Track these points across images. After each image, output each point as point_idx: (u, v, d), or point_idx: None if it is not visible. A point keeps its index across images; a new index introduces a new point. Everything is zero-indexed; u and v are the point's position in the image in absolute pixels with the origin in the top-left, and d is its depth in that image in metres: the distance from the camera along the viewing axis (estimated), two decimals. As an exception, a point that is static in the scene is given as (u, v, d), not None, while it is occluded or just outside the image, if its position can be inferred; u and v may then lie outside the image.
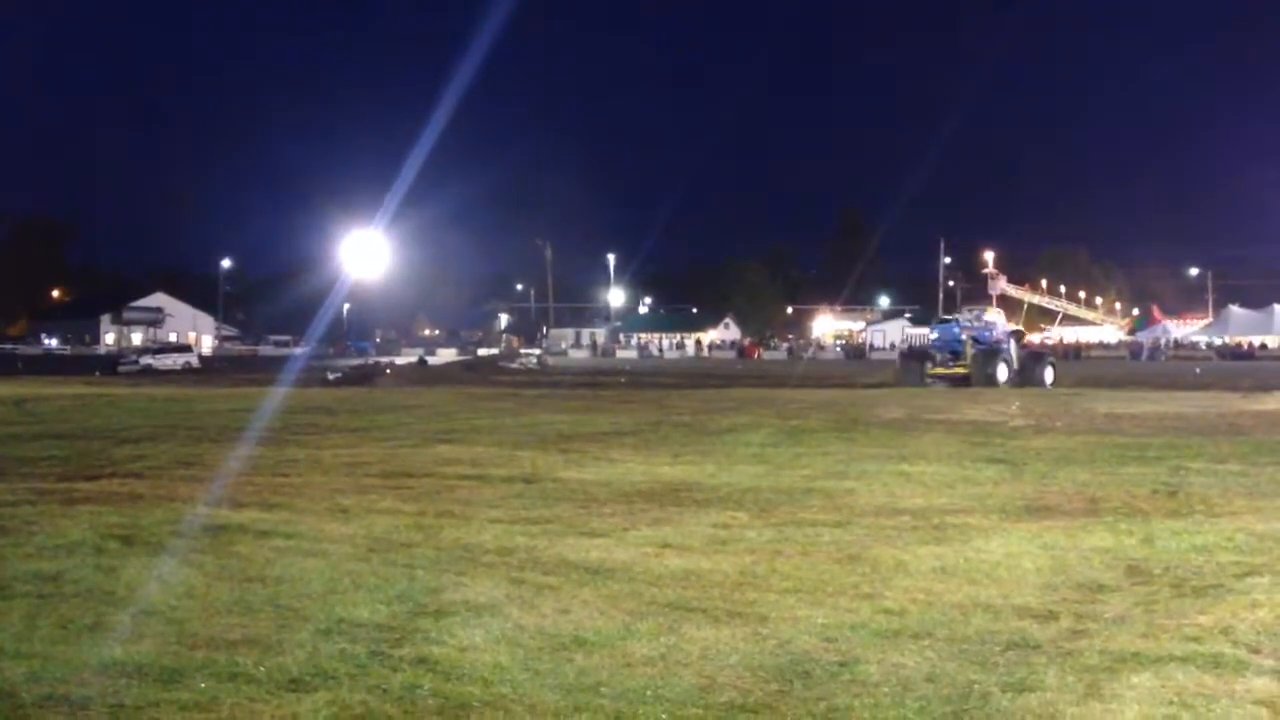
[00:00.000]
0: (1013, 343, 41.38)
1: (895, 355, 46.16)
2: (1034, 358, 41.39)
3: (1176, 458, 15.76)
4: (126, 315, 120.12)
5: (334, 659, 6.37)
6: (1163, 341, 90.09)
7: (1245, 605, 7.40)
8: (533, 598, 7.78)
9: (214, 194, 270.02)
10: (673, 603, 7.63)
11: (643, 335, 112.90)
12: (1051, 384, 38.75)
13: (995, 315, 46.39)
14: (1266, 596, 7.61)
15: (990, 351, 39.79)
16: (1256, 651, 6.41)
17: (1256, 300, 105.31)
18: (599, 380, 47.48)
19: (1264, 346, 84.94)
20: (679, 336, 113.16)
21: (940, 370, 38.98)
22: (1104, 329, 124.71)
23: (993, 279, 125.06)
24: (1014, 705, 5.59)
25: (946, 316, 42.59)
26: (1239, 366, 61.04)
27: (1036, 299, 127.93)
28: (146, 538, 10.04)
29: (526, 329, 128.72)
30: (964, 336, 40.98)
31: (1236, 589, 7.87)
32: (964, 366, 38.85)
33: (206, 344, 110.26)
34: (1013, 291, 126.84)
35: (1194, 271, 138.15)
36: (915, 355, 42.18)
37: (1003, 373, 38.48)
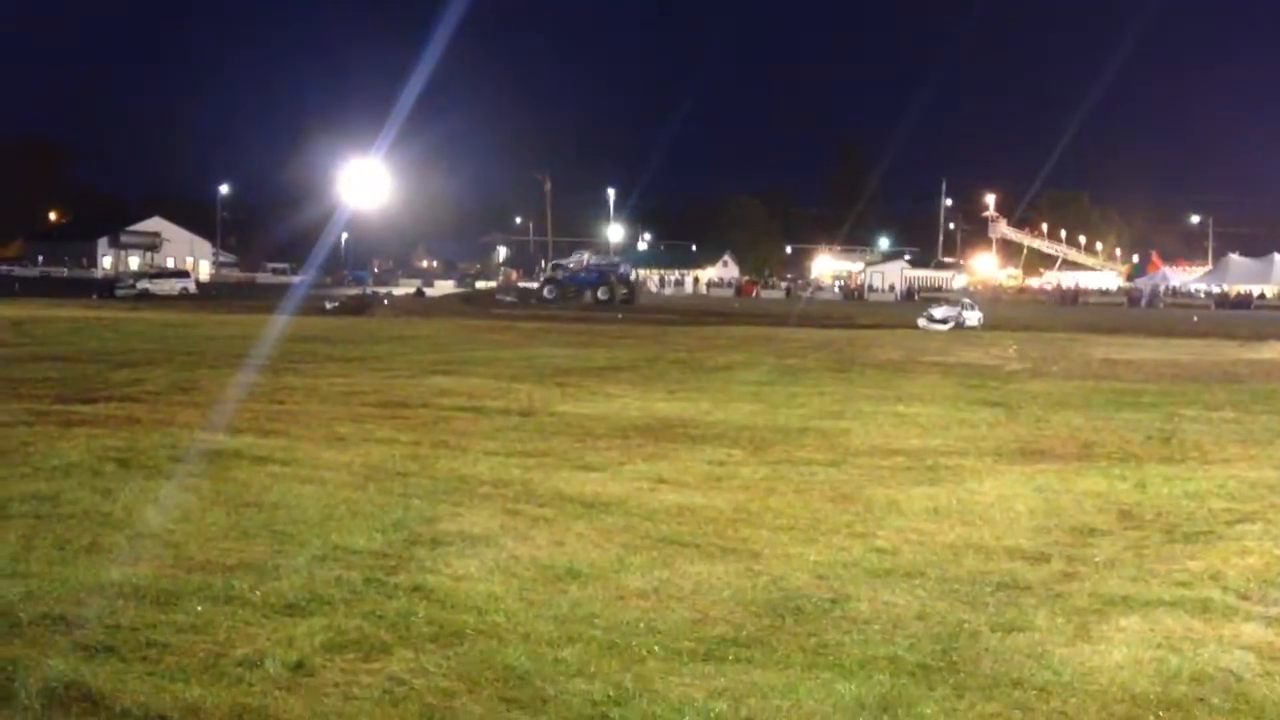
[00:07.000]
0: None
1: (894, 296, 59.12)
2: (626, 283, 64.79)
3: (1171, 404, 15.81)
4: (124, 239, 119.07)
5: (329, 585, 6.41)
6: (1161, 289, 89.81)
7: (1235, 552, 7.46)
8: (527, 529, 7.82)
9: (213, 119, 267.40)
10: (666, 537, 7.68)
11: (641, 271, 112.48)
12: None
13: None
14: (1257, 543, 7.67)
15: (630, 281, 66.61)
16: (1245, 598, 6.47)
17: (1256, 249, 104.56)
18: (596, 315, 47.42)
19: (1262, 296, 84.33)
20: (678, 273, 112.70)
21: (602, 296, 58.95)
22: (1103, 275, 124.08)
23: (993, 222, 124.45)
24: (1003, 645, 5.64)
25: (591, 261, 66.13)
26: (1236, 315, 61.04)
27: (1036, 243, 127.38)
28: (143, 461, 10.08)
29: (525, 262, 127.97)
30: (623, 272, 67.23)
31: (1227, 535, 7.93)
32: (613, 291, 59.46)
33: (204, 270, 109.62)
34: (1013, 235, 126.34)
35: (1195, 219, 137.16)
36: (560, 284, 62.46)
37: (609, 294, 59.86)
